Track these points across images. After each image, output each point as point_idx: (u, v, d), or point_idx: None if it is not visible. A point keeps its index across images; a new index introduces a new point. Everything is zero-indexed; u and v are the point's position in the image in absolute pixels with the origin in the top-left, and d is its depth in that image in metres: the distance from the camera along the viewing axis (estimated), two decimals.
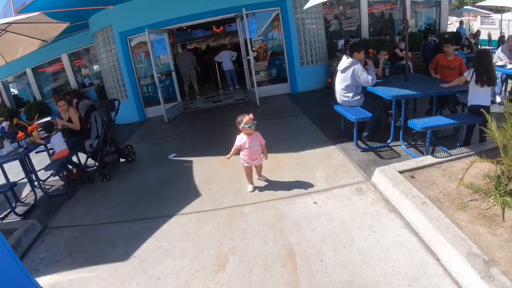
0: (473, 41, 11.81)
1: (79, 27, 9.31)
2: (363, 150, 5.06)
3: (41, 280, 3.12)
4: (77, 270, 3.28)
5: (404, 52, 6.28)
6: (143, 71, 9.56)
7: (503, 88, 6.90)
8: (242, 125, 4.00)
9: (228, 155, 4.20)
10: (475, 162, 3.47)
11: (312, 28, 9.30)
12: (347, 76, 5.19)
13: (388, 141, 5.08)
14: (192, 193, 4.54)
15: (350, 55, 5.25)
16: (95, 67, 11.47)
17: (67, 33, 9.13)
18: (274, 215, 3.80)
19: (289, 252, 3.15)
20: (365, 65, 5.26)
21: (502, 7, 14.19)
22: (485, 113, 3.55)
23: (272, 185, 4.44)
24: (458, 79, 4.59)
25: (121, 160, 6.01)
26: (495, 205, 3.26)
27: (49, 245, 3.85)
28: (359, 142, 5.13)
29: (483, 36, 17.31)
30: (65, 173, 5.55)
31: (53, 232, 4.16)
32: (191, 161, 5.64)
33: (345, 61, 5.26)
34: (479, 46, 12.76)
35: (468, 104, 4.45)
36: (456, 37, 10.33)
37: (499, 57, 7.13)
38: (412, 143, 5.03)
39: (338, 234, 3.35)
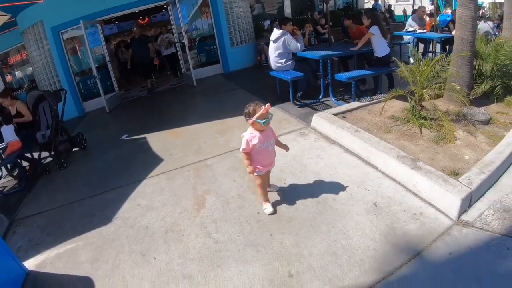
0: (387, 15, 12.82)
1: (4, 27, 8.33)
2: (300, 106, 5.55)
3: (25, 264, 2.87)
4: (61, 245, 3.07)
5: (325, 28, 6.88)
6: (78, 65, 8.88)
7: (416, 49, 7.59)
8: (254, 119, 2.67)
9: (248, 170, 2.87)
10: (393, 95, 4.05)
11: (239, 11, 9.56)
12: (279, 45, 5.63)
13: (320, 97, 5.66)
14: (155, 160, 4.53)
15: (280, 27, 5.66)
16: (26, 68, 10.17)
17: None
18: (235, 161, 4.10)
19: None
20: (293, 35, 5.67)
21: None
22: (395, 60, 4.25)
23: (227, 142, 4.73)
24: (364, 37, 5.34)
25: (74, 149, 5.68)
26: (413, 127, 3.89)
27: (23, 234, 3.47)
28: (295, 101, 5.70)
29: (399, 12, 18.15)
30: (17, 171, 5.02)
31: (23, 222, 3.72)
32: (144, 138, 5.52)
33: (276, 32, 5.67)
34: (392, 19, 13.56)
35: (378, 56, 5.28)
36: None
37: (410, 25, 8.06)
38: (340, 97, 5.64)
39: (293, 164, 3.77)
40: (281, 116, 5.26)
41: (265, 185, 3.08)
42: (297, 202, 3.09)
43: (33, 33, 8.39)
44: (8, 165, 5.04)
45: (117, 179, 4.18)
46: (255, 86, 7.47)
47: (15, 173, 5.10)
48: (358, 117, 4.41)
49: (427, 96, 3.80)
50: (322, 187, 3.29)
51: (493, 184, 3.11)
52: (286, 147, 3.09)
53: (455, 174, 3.07)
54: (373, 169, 3.45)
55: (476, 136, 3.75)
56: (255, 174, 2.89)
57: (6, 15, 4.79)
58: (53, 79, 8.63)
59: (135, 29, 12.75)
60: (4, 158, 4.86)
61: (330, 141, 4.15)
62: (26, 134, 5.23)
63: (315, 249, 2.56)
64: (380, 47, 5.19)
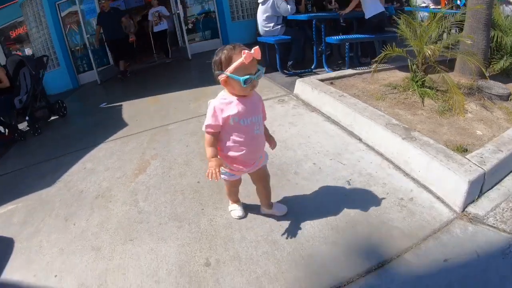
0: None
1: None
2: (288, 75, 4.73)
3: None
4: (3, 205, 2.80)
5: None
6: (75, 38, 8.35)
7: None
8: (229, 72, 1.50)
9: (210, 164, 1.55)
10: (386, 53, 3.15)
11: None
12: (267, 7, 4.85)
13: (312, 67, 4.81)
14: (119, 125, 4.11)
15: None
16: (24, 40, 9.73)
17: None
18: (196, 125, 3.47)
19: None
20: None
21: None
22: (395, 18, 3.42)
23: (198, 107, 4.05)
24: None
25: (53, 117, 5.38)
26: (414, 95, 3.02)
27: None
28: (284, 70, 4.88)
29: None
30: None
31: None
32: (121, 105, 5.07)
33: None
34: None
35: (368, 17, 4.39)
36: None
37: (423, 1, 7.41)
38: (337, 69, 4.70)
39: None
40: (264, 84, 4.42)
41: (236, 190, 1.96)
42: None
43: (31, 5, 8.02)
44: None
45: (78, 143, 3.83)
46: None
47: None
48: (348, 84, 3.53)
49: (429, 52, 2.89)
50: (285, 157, 2.46)
51: None
52: (272, 142, 1.84)
53: (463, 150, 2.21)
54: (355, 140, 2.59)
55: (493, 111, 2.87)
56: (222, 176, 1.68)
57: None
58: (49, 51, 8.26)
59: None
60: None
61: (310, 109, 3.30)
62: (4, 99, 4.94)
63: (251, 234, 1.82)
64: (368, 8, 4.39)
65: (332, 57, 5.34)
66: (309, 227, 1.78)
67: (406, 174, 2.16)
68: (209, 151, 1.57)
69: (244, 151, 1.61)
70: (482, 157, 2.09)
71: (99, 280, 1.71)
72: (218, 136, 1.60)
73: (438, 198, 1.96)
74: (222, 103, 1.56)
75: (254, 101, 1.63)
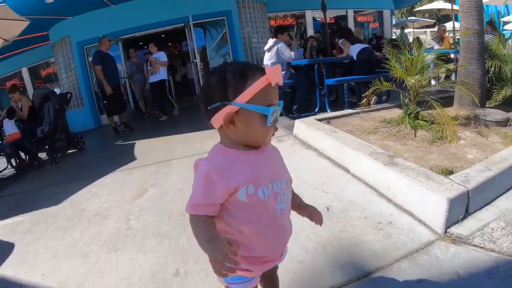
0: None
1: (39, 40, 8.84)
2: (292, 118, 4.80)
3: None
4: (13, 217, 3.05)
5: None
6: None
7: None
8: (243, 98, 0.84)
9: (216, 269, 0.83)
10: (375, 88, 3.21)
11: (254, 42, 9.31)
12: (272, 54, 5.18)
13: (316, 110, 4.93)
14: (130, 158, 4.39)
15: (276, 36, 5.18)
16: (53, 80, 10.76)
17: (26, 45, 8.71)
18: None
19: None
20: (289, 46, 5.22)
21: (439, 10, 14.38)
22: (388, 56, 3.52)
23: (202, 146, 4.22)
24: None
25: (71, 150, 5.71)
26: (406, 128, 3.01)
27: None
28: (289, 114, 5.00)
29: None
30: (17, 161, 5.26)
31: None
32: (134, 143, 5.37)
33: (270, 41, 5.28)
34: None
35: (355, 55, 4.84)
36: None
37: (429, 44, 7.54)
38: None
39: None
40: None
41: None
42: None
43: (61, 47, 8.79)
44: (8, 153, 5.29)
45: (89, 172, 4.09)
46: None
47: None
48: (344, 122, 3.58)
49: (412, 81, 2.93)
50: None
51: (509, 189, 2.12)
52: (313, 213, 1.18)
53: (448, 172, 2.14)
54: (343, 172, 2.58)
55: (488, 137, 2.79)
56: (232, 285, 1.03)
57: (26, 20, 5.00)
58: (75, 91, 8.86)
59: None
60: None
61: (306, 146, 3.34)
62: (28, 127, 5.44)
63: None
64: (351, 50, 4.85)
65: (338, 101, 5.48)
66: (290, 241, 1.76)
67: (388, 200, 2.10)
68: (202, 235, 0.88)
69: (266, 239, 0.97)
70: (466, 176, 2.01)
71: (79, 280, 1.88)
72: (211, 221, 0.92)
73: (419, 221, 1.88)
74: (221, 162, 0.92)
75: (272, 156, 1.01)
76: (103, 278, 1.87)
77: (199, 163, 0.96)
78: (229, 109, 0.84)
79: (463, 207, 1.88)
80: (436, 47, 6.82)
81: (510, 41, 4.12)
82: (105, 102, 6.10)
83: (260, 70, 0.86)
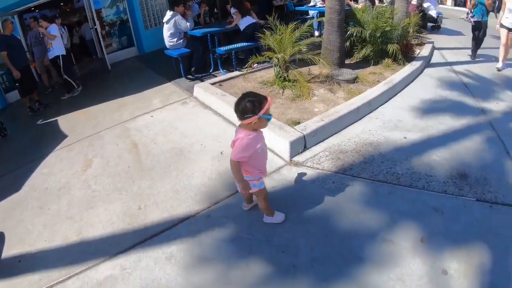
0: None
1: None
2: (191, 79, 5.70)
3: None
4: None
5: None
6: None
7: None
8: (261, 114, 1.93)
9: (250, 190, 2.17)
10: (253, 61, 4.31)
11: None
12: (171, 26, 5.75)
13: (210, 70, 5.86)
14: (61, 136, 4.56)
15: (172, 9, 5.71)
16: None
17: None
18: (122, 130, 4.23)
19: (133, 144, 3.78)
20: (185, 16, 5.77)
21: None
22: (265, 31, 4.53)
23: (120, 116, 4.71)
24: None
25: None
26: (277, 88, 4.24)
27: None
28: (187, 76, 5.84)
29: None
30: None
31: None
32: (56, 120, 5.26)
33: (168, 14, 5.80)
34: None
35: (242, 29, 5.62)
36: None
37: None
38: (231, 69, 5.78)
39: (167, 128, 3.98)
40: (172, 90, 5.34)
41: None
42: (160, 155, 3.43)
43: None
44: None
45: (31, 156, 4.20)
46: (163, 66, 7.36)
47: None
48: (232, 84, 4.64)
49: (279, 56, 4.07)
50: (184, 143, 3.49)
51: (339, 131, 3.45)
52: None
53: (296, 123, 3.35)
54: (232, 126, 3.69)
55: (336, 93, 4.07)
56: (258, 187, 2.17)
57: None
58: None
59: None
60: None
61: (205, 107, 4.34)
62: None
63: (162, 189, 2.89)
64: (241, 23, 5.60)
65: (229, 60, 6.37)
66: (196, 179, 2.87)
67: None
68: (239, 174, 2.05)
69: (263, 164, 2.21)
70: (305, 126, 3.27)
71: (76, 233, 2.56)
72: (241, 167, 2.06)
73: (276, 154, 3.11)
74: (251, 139, 1.99)
75: (262, 134, 2.17)
76: (93, 226, 2.60)
77: (241, 136, 2.01)
78: (255, 118, 1.92)
79: (301, 145, 3.15)
80: (319, 4, 7.79)
81: (373, 10, 5.33)
82: (17, 84, 5.79)
83: (266, 98, 1.97)
